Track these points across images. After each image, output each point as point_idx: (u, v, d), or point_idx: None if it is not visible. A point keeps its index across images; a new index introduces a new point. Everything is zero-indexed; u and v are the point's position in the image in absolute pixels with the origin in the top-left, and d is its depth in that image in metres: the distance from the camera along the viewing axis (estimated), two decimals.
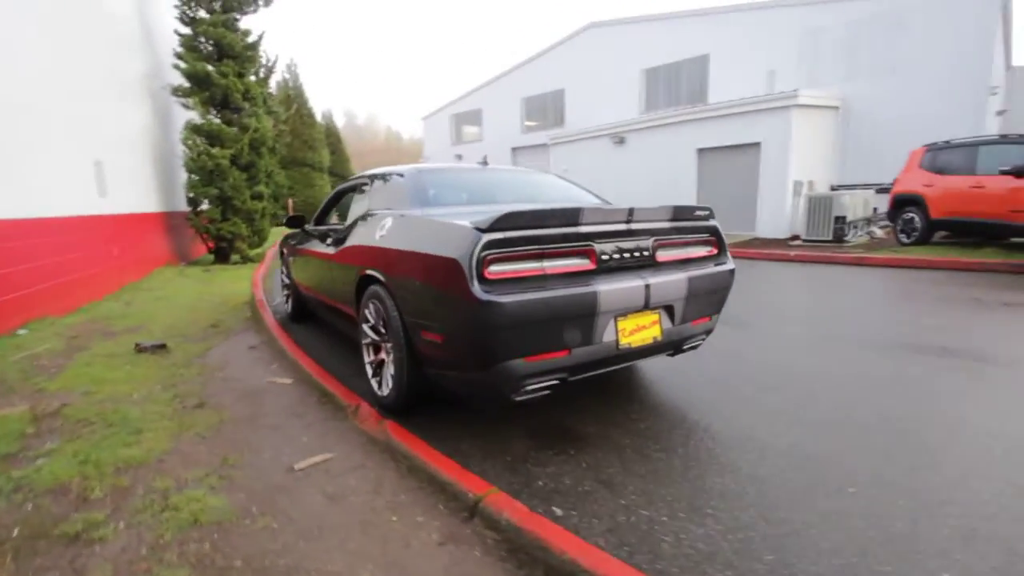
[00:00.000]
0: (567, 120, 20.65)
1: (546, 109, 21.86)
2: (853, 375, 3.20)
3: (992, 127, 12.24)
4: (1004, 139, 7.17)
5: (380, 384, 2.87)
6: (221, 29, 8.86)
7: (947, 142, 8.14)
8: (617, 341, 2.39)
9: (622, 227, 2.45)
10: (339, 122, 31.39)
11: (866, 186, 13.42)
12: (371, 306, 2.87)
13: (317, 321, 5.03)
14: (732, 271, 2.87)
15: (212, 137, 8.68)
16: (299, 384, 3.22)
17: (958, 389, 2.94)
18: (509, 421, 2.65)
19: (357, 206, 3.55)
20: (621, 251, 2.43)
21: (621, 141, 15.63)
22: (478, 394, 2.51)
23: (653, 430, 2.54)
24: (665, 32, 17.56)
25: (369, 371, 3.00)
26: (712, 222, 2.86)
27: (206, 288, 7.18)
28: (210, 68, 8.75)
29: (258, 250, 10.15)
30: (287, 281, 5.34)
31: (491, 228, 2.10)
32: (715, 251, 2.88)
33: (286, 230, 5.00)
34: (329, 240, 3.73)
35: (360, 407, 2.65)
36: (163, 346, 4.13)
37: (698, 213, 2.77)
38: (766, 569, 1.56)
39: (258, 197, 9.56)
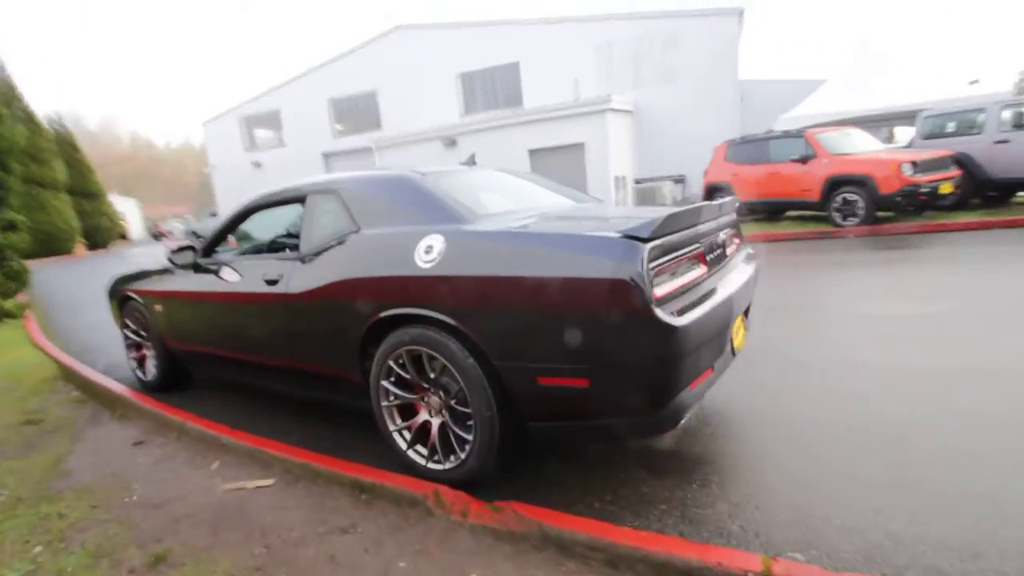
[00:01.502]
0: (384, 123, 19.71)
1: (358, 111, 20.53)
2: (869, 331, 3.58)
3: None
4: (786, 134, 9.05)
5: (430, 455, 2.19)
6: None
7: (743, 138, 9.93)
8: (732, 347, 2.20)
9: (714, 224, 2.27)
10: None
11: (662, 179, 15.77)
12: (404, 356, 2.16)
13: (198, 385, 3.78)
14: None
15: None
16: (292, 483, 2.27)
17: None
18: (598, 462, 2.25)
19: (316, 226, 2.66)
20: (714, 249, 2.25)
21: (452, 143, 15.51)
22: (611, 437, 2.10)
23: (752, 435, 2.42)
24: (475, 38, 17.94)
25: (401, 442, 2.27)
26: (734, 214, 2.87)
27: None
28: None
29: (16, 300, 7.26)
30: (137, 339, 3.87)
31: (652, 236, 1.70)
32: (740, 242, 2.90)
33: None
34: (261, 275, 2.75)
35: (439, 492, 1.96)
36: None
37: (737, 205, 2.76)
38: None
39: (10, 227, 6.83)
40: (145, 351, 3.86)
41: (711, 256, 2.18)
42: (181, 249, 3.18)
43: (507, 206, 2.58)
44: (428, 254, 2.07)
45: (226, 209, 24.32)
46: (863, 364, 3.05)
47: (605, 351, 1.71)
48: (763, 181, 9.21)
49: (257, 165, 22.65)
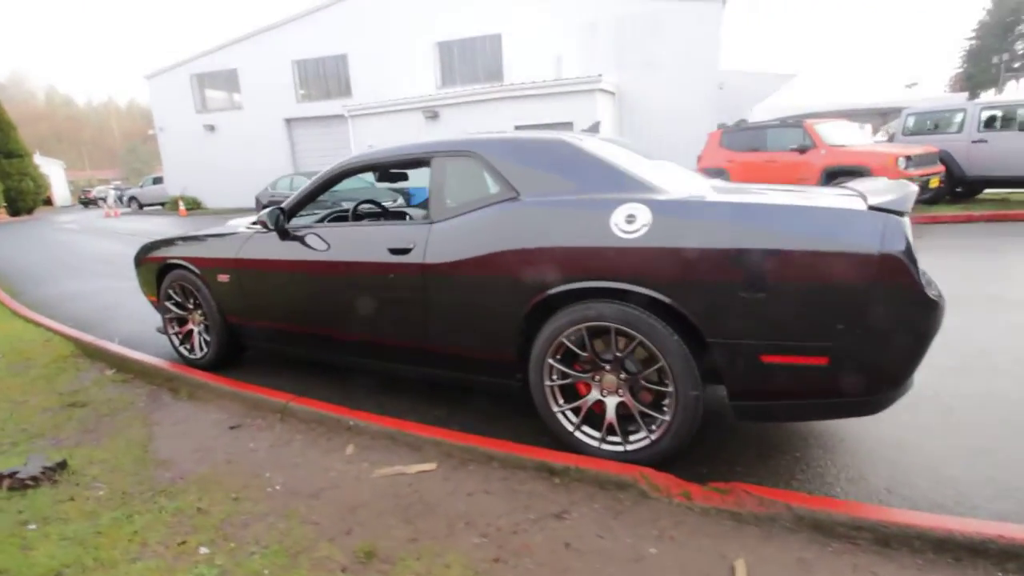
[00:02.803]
0: (354, 90, 18.71)
1: (326, 76, 19.36)
2: None
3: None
4: (783, 123, 9.33)
5: (605, 436, 2.10)
6: None
7: (737, 125, 10.15)
8: None
9: None
10: None
11: None
12: (584, 333, 2.04)
13: (248, 361, 3.50)
14: None
15: None
16: (459, 466, 2.10)
17: None
18: (760, 441, 2.25)
19: (452, 191, 2.44)
20: None
21: (435, 116, 14.96)
22: (823, 416, 2.08)
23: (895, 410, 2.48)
24: (457, 5, 17.22)
25: (566, 422, 2.17)
26: None
27: None
28: None
29: None
30: (182, 312, 3.50)
31: (906, 211, 1.66)
32: None
33: None
34: (381, 243, 2.50)
35: (647, 475, 1.87)
36: (61, 466, 2.21)
37: None
38: None
39: None
40: (191, 325, 3.49)
41: None
42: (268, 207, 2.87)
43: (664, 176, 2.47)
44: (630, 224, 1.94)
45: (173, 175, 22.50)
46: (969, 346, 3.18)
47: (860, 327, 1.66)
48: (758, 168, 9.48)
49: (211, 128, 20.97)
